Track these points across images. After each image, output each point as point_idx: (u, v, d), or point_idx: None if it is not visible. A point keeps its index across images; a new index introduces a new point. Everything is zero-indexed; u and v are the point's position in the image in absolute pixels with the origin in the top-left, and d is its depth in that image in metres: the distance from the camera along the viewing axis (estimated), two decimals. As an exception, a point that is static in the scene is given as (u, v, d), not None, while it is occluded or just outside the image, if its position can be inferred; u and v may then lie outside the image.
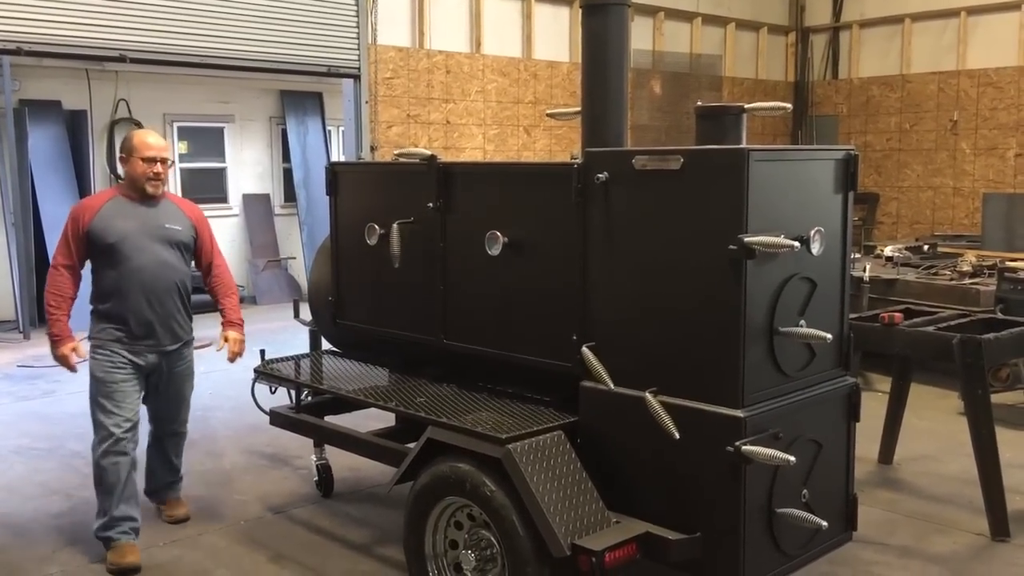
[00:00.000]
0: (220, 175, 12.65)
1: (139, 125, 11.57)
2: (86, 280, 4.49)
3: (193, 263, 4.66)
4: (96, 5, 8.64)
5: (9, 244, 10.06)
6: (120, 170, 4.48)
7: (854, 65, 14.86)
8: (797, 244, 3.18)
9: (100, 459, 4.32)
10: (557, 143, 12.68)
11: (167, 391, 4.61)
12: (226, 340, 4.65)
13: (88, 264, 4.48)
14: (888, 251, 9.02)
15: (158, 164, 4.41)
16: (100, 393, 4.35)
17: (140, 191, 4.43)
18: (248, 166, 13.07)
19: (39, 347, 9.48)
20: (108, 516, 4.32)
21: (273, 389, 4.86)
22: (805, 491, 3.47)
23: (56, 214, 10.55)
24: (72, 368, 4.42)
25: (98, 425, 4.35)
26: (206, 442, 6.20)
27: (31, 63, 9.49)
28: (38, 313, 10.53)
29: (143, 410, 4.59)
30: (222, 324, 4.71)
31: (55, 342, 4.38)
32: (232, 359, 4.67)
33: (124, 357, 4.37)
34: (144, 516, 4.57)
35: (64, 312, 4.37)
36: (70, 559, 4.47)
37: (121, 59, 8.91)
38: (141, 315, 4.37)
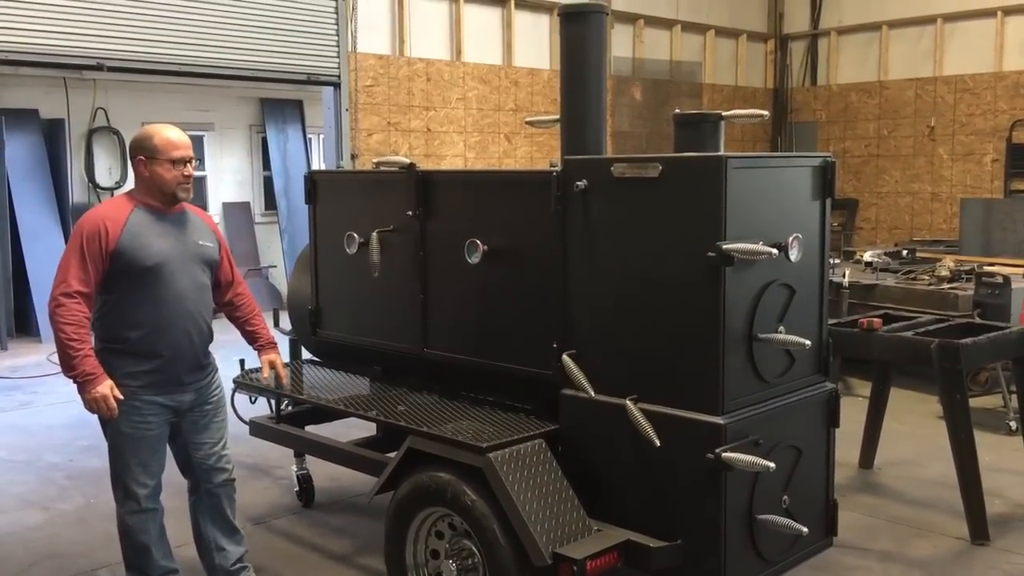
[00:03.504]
0: (200, 184, 12.57)
1: (117, 134, 11.53)
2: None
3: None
4: (74, 13, 8.57)
5: (-15, 255, 9.97)
6: (134, 175, 3.79)
7: (832, 72, 14.95)
8: (775, 251, 3.19)
9: (127, 517, 3.81)
10: (538, 150, 12.67)
11: (208, 427, 3.94)
12: (272, 366, 4.12)
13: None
14: (867, 256, 9.08)
15: (188, 165, 3.72)
16: (127, 451, 3.73)
17: (168, 199, 3.73)
18: (228, 174, 13.02)
19: (16, 358, 9.40)
20: (146, 574, 3.89)
21: (253, 399, 4.83)
22: (785, 497, 3.48)
23: (33, 224, 10.48)
24: (113, 411, 3.58)
25: (123, 485, 3.78)
26: (186, 453, 6.14)
27: (8, 72, 9.40)
28: (16, 323, 10.45)
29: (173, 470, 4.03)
30: (258, 349, 4.13)
31: (88, 381, 3.53)
32: (284, 384, 4.27)
33: (156, 404, 3.73)
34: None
35: (90, 345, 3.59)
36: (48, 573, 4.42)
37: (99, 67, 8.83)
38: (182, 351, 3.74)
